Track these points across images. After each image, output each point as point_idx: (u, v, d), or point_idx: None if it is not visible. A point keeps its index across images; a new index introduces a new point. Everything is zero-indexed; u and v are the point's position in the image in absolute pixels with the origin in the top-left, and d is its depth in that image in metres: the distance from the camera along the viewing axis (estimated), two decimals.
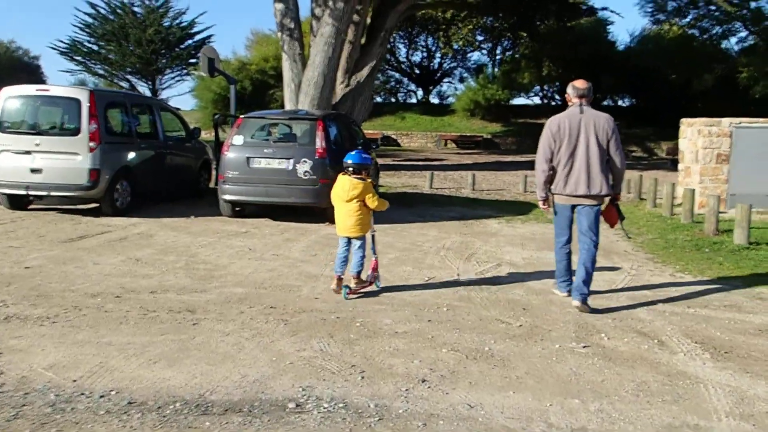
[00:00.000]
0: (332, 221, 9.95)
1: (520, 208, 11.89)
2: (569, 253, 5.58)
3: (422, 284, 6.12)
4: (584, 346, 4.42)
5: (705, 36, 27.35)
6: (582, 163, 5.18)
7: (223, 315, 4.98)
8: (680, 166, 13.25)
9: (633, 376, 3.92)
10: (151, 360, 4.03)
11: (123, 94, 11.37)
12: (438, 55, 41.44)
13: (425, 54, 42.15)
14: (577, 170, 5.20)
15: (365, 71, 18.37)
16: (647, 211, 11.93)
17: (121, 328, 4.61)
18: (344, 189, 5.50)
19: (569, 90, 5.43)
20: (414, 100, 43.82)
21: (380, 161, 22.10)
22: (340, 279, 5.56)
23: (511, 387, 3.73)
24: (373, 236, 5.85)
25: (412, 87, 44.52)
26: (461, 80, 42.87)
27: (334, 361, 4.07)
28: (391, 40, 40.00)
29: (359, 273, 5.64)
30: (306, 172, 9.32)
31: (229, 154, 9.49)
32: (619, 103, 37.65)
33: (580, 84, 5.37)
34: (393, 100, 43.27)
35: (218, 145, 10.98)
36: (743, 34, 27.26)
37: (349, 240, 5.64)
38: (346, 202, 5.50)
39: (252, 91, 32.08)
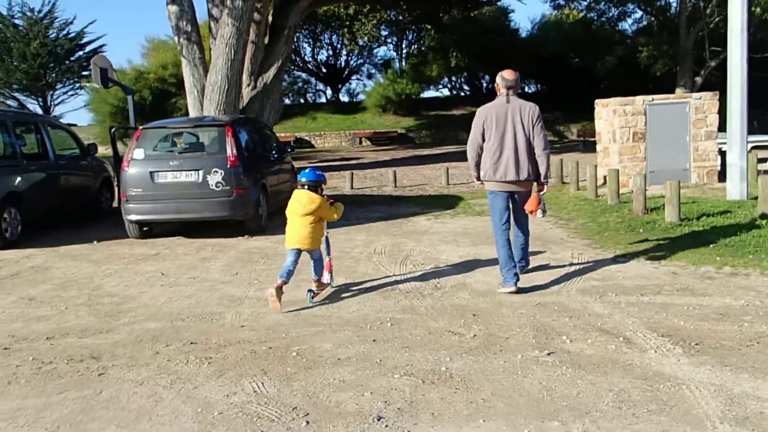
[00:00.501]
0: (252, 233, 9.28)
1: (446, 202, 11.54)
2: (509, 240, 5.68)
3: (359, 296, 5.57)
4: (548, 353, 4.00)
5: (603, 19, 28.18)
6: (510, 151, 5.40)
7: (135, 359, 4.26)
8: (598, 147, 13.31)
9: (609, 385, 3.52)
10: (47, 430, 3.29)
11: (2, 113, 10.19)
12: (344, 52, 40.93)
13: (331, 52, 41.56)
14: (505, 157, 5.41)
15: (272, 72, 17.62)
16: (572, 195, 11.86)
17: (9, 390, 3.83)
18: (301, 203, 5.43)
19: (498, 80, 5.58)
20: (324, 100, 43.17)
21: (296, 164, 21.34)
22: (282, 285, 5.29)
23: (480, 414, 3.24)
24: (326, 238, 5.83)
25: (321, 86, 43.85)
26: (369, 76, 42.54)
27: (272, 405, 3.46)
28: (295, 39, 39.18)
29: (320, 277, 5.66)
30: (218, 182, 8.57)
31: (130, 170, 8.60)
32: (527, 90, 38.40)
33: (508, 75, 5.56)
34: (302, 101, 42.46)
35: (118, 161, 10.02)
36: (638, 15, 28.36)
37: (299, 252, 5.51)
38: (302, 216, 5.43)
39: (153, 101, 30.49)
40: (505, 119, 5.41)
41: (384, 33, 36.09)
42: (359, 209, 11.29)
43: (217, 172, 8.57)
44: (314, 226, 5.46)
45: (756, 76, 17.32)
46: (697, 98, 12.28)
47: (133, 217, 8.67)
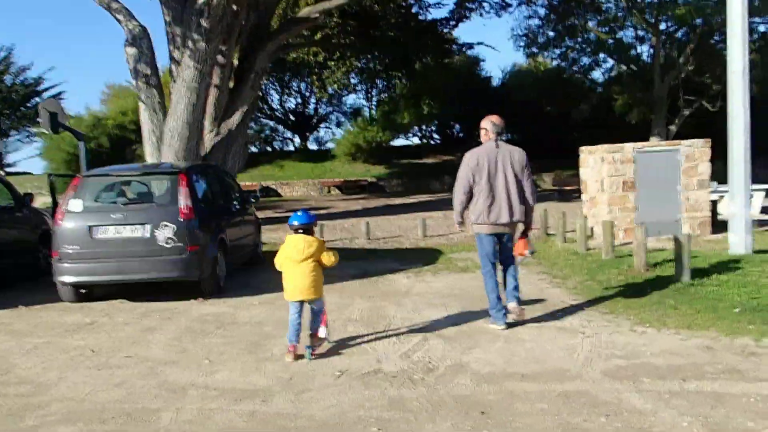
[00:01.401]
0: (207, 295, 8.15)
1: (425, 257, 10.54)
2: (498, 282, 5.83)
3: (335, 383, 4.48)
4: None
5: (575, 68, 28.13)
6: (503, 194, 5.58)
7: None
8: (584, 197, 12.54)
9: None
10: None
11: None
12: (312, 100, 40.37)
13: (299, 100, 40.97)
14: (498, 201, 5.58)
15: (236, 117, 16.67)
16: (560, 248, 10.98)
17: None
18: (297, 248, 5.13)
19: (487, 126, 5.73)
20: (292, 148, 42.35)
21: (261, 214, 20.24)
22: (295, 348, 5.09)
23: None
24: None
25: (289, 134, 43.07)
26: (338, 125, 41.94)
27: None
28: (263, 86, 38.50)
29: (317, 330, 5.25)
30: (169, 239, 7.46)
31: (65, 224, 7.44)
32: None
33: (497, 120, 5.77)
34: (269, 149, 41.56)
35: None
36: (609, 64, 28.39)
37: (301, 304, 5.19)
38: (301, 262, 5.10)
39: (111, 148, 29.28)
40: (496, 164, 5.58)
41: (354, 81, 35.59)
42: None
43: (167, 226, 7.47)
44: (315, 272, 5.14)
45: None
46: (688, 146, 11.64)
47: (68, 279, 7.46)
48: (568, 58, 27.34)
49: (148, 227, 7.48)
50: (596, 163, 11.84)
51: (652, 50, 27.20)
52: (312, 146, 42.28)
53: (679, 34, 25.67)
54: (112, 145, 30.67)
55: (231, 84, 17.14)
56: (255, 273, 9.60)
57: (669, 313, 6.04)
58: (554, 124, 29.87)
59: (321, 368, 4.87)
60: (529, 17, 26.84)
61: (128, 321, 6.80)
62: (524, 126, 31.95)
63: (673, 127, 24.92)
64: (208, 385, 4.59)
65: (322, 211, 21.60)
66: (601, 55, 28.49)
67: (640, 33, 27.16)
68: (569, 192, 24.35)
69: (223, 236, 8.34)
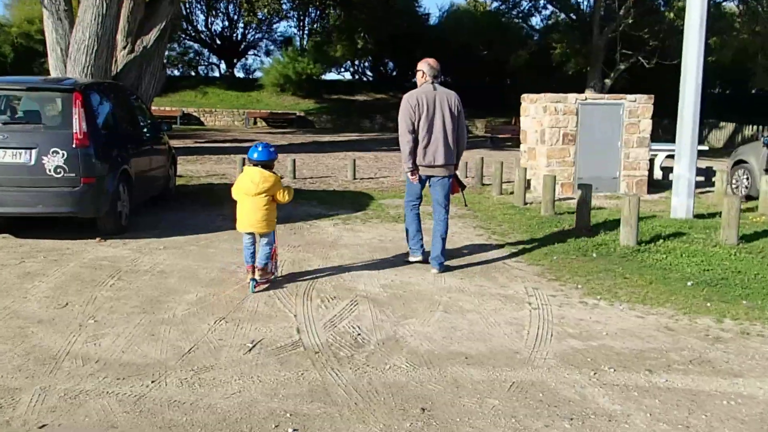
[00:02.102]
0: (107, 235, 7.14)
1: (355, 202, 9.79)
2: (418, 214, 5.99)
3: (244, 360, 3.72)
4: None
5: (514, 12, 27.37)
6: (439, 136, 5.58)
7: None
8: (522, 147, 12.03)
9: None
10: None
11: None
12: (241, 24, 38.09)
13: (227, 23, 38.58)
14: (434, 143, 5.58)
15: (153, 34, 15.03)
16: (496, 200, 10.45)
17: None
18: (253, 181, 5.00)
19: (424, 68, 5.70)
20: (217, 74, 40.11)
21: (179, 143, 18.80)
22: (253, 269, 5.12)
23: None
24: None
25: (214, 60, 40.73)
26: (267, 53, 39.90)
27: None
28: (187, 5, 35.91)
29: (266, 265, 5.20)
30: (59, 167, 6.38)
31: None
32: None
33: (434, 64, 5.74)
34: (193, 73, 39.18)
35: None
36: (548, 11, 27.76)
37: (253, 235, 5.16)
38: (254, 195, 5.01)
39: (14, 60, 26.62)
40: (434, 106, 5.57)
41: (285, 6, 33.64)
42: None
43: (57, 152, 6.36)
44: (268, 207, 5.07)
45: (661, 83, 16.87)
46: (632, 100, 11.23)
47: None
48: (508, 1, 26.46)
49: (33, 153, 6.36)
50: (537, 112, 11.29)
51: (592, 0, 26.79)
52: (239, 74, 40.24)
53: None
54: (17, 56, 27.96)
55: None
56: (165, 211, 8.60)
57: (619, 283, 5.56)
58: (490, 70, 29.29)
59: (229, 336, 4.09)
60: None
61: (5, 262, 5.76)
62: (459, 69, 31.26)
63: (608, 81, 24.77)
64: (87, 355, 3.74)
65: (245, 144, 20.34)
66: (541, 1, 27.81)
67: None
68: (502, 140, 24.02)
69: (126, 167, 7.27)
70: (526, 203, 9.90)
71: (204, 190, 10.78)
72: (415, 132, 5.56)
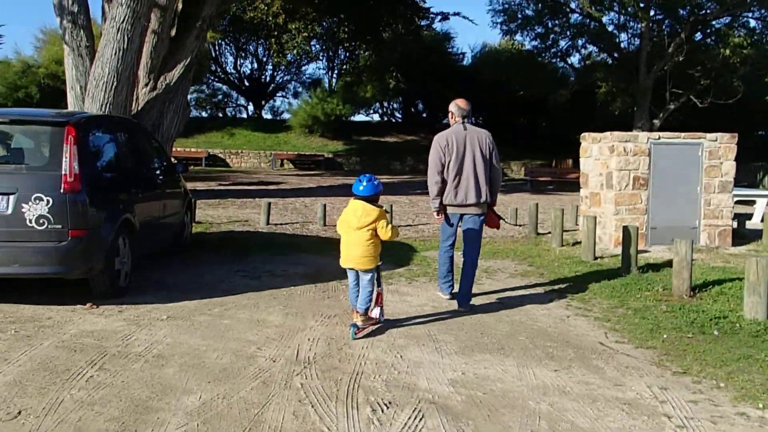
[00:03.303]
0: (99, 299, 5.90)
1: (394, 253, 8.42)
2: (452, 257, 5.98)
3: None
4: None
5: (552, 50, 26.27)
6: (470, 175, 5.63)
7: None
8: (583, 192, 10.63)
9: None
10: None
11: None
12: (270, 66, 37.60)
13: (256, 65, 38.14)
14: (465, 182, 5.64)
15: (177, 70, 14.13)
16: (558, 253, 9.03)
17: None
18: (356, 215, 4.80)
19: (453, 109, 5.81)
20: (245, 116, 39.54)
21: (203, 186, 17.72)
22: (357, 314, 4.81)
23: None
24: (378, 267, 4.95)
25: (242, 101, 40.22)
26: (296, 95, 39.26)
27: None
28: (217, 47, 35.56)
29: (367, 310, 4.86)
30: (42, 217, 5.17)
31: None
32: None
33: (464, 104, 5.82)
34: (221, 115, 38.64)
35: None
36: (588, 50, 26.53)
37: (357, 274, 4.88)
38: (357, 229, 4.76)
39: (40, 100, 26.12)
40: (464, 145, 5.62)
41: (315, 48, 33.05)
42: (275, 258, 8.02)
43: (41, 199, 5.16)
44: (371, 242, 4.83)
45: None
46: (712, 140, 9.81)
47: None
48: (547, 39, 25.34)
49: (10, 199, 5.15)
50: (602, 153, 9.92)
51: (636, 39, 25.60)
52: (266, 116, 39.62)
53: (666, 23, 24.01)
54: (43, 96, 27.47)
55: (173, 32, 14.59)
56: (176, 265, 7.34)
57: None
58: (527, 110, 28.09)
59: None
60: None
61: None
62: (493, 109, 30.14)
63: (656, 121, 23.36)
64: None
65: (271, 187, 19.24)
66: (580, 41, 26.65)
67: (623, 19, 25.44)
68: (542, 183, 22.63)
69: (129, 216, 6.03)
70: (596, 257, 8.47)
71: (224, 238, 9.53)
72: (443, 172, 5.63)
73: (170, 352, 4.37)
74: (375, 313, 4.93)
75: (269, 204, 11.27)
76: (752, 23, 23.11)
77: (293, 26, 27.43)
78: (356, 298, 4.86)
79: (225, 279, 6.75)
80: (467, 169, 5.61)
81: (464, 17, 37.57)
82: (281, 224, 11.17)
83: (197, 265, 7.48)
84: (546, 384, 3.92)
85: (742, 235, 10.52)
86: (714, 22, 23.89)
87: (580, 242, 9.91)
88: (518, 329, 5.15)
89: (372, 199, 4.85)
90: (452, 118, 5.83)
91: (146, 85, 13.87)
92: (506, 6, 24.76)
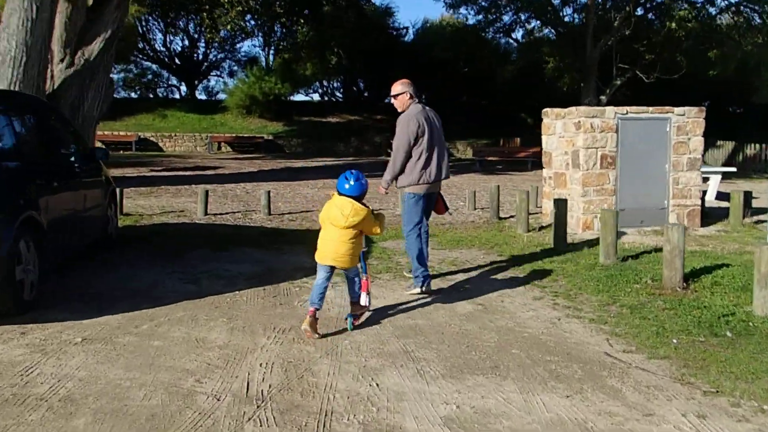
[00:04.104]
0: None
1: None
2: (426, 239, 5.69)
3: None
4: None
5: (496, 26, 25.63)
6: (436, 154, 5.63)
7: None
8: (547, 172, 10.02)
9: None
10: None
11: None
12: (202, 43, 35.76)
13: (187, 42, 36.20)
14: (434, 160, 5.60)
15: (97, 44, 12.80)
16: (526, 240, 8.37)
17: None
18: (343, 213, 4.41)
19: (410, 89, 5.68)
20: (177, 96, 37.60)
21: (133, 172, 16.32)
22: (315, 314, 4.36)
23: None
24: (363, 253, 4.77)
25: (174, 81, 38.22)
26: (231, 74, 37.52)
27: None
28: (144, 22, 33.51)
29: (359, 298, 4.62)
30: None
31: None
32: None
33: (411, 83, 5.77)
34: (151, 96, 36.59)
35: None
36: (531, 26, 26.05)
37: (332, 269, 4.54)
38: (342, 228, 4.41)
39: None
40: (430, 125, 5.61)
41: (250, 24, 31.46)
42: (216, 254, 7.04)
43: None
44: (355, 241, 4.50)
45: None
46: (680, 114, 9.32)
47: None
48: (490, 13, 24.66)
49: None
50: (567, 129, 9.30)
51: (580, 13, 25.25)
52: (201, 96, 37.82)
53: None
54: None
55: (90, 1, 13.16)
56: (98, 268, 6.29)
57: None
58: (471, 87, 27.50)
59: None
60: None
61: None
62: (437, 86, 29.42)
63: (603, 97, 23.10)
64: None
65: (209, 172, 18.01)
66: (523, 15, 26.11)
67: None
68: (491, 164, 22.10)
69: (33, 213, 4.96)
70: (568, 244, 7.84)
71: (157, 232, 8.45)
72: (410, 153, 5.54)
73: (83, 391, 3.41)
74: (363, 299, 4.65)
75: (207, 192, 10.20)
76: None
77: (227, 3, 25.93)
78: (319, 297, 4.45)
79: (157, 283, 5.75)
80: (435, 147, 5.61)
81: None
82: (221, 214, 10.12)
83: (124, 266, 6.44)
84: (562, 418, 3.16)
85: (705, 214, 10.12)
86: None
87: (546, 227, 9.33)
88: (508, 339, 4.40)
89: (359, 198, 4.51)
90: (410, 98, 5.65)
91: (62, 60, 12.47)
92: None
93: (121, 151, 26.19)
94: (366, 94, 36.22)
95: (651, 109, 9.30)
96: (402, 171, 5.57)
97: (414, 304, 5.27)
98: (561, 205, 7.91)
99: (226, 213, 10.21)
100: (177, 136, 28.55)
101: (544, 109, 10.06)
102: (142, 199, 11.62)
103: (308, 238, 8.22)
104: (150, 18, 33.38)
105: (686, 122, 9.31)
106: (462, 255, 7.40)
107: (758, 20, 22.27)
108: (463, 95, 30.74)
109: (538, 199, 11.10)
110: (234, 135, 29.09)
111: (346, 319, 4.62)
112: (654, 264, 6.64)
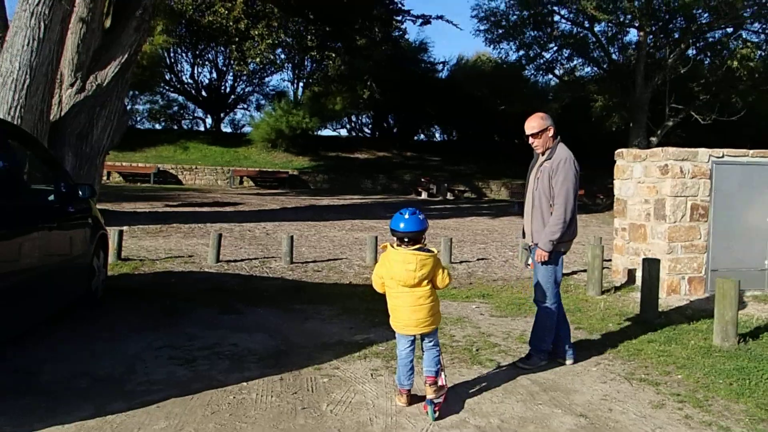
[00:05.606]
0: None
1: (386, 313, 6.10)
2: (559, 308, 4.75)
3: None
4: None
5: (536, 63, 24.38)
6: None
7: None
8: (619, 223, 8.50)
9: None
10: None
11: None
12: (230, 75, 35.06)
13: (215, 75, 35.54)
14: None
15: (111, 69, 11.74)
16: (603, 307, 6.82)
17: None
18: (408, 269, 3.64)
19: (553, 124, 4.66)
20: (202, 129, 36.84)
21: (146, 207, 14.92)
22: (410, 394, 3.79)
23: None
24: None
25: (200, 113, 37.51)
26: (258, 107, 36.75)
27: None
28: (172, 53, 32.94)
29: (438, 373, 3.74)
30: None
31: None
32: (436, 137, 34.19)
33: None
34: (175, 127, 35.86)
35: None
36: (572, 63, 24.76)
37: (414, 338, 3.77)
38: (413, 287, 3.64)
39: None
40: None
41: (280, 57, 30.68)
42: (223, 319, 5.62)
43: None
44: (432, 296, 3.73)
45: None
46: None
47: None
48: (531, 49, 23.42)
49: None
50: (649, 174, 7.81)
51: (625, 51, 23.93)
52: (226, 129, 37.00)
53: (662, 35, 22.34)
54: None
55: (107, 23, 12.13)
56: (65, 336, 4.88)
57: None
58: (508, 125, 26.16)
59: None
60: None
61: None
62: (471, 125, 28.16)
63: (654, 139, 21.58)
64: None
65: (228, 208, 16.72)
66: (566, 52, 24.85)
67: (613, 30, 23.72)
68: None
69: None
70: (660, 314, 6.29)
71: (156, 284, 7.06)
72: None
73: None
74: (441, 379, 3.81)
75: (219, 236, 8.82)
76: (754, 37, 21.60)
77: (256, 32, 25.08)
78: (409, 375, 3.75)
79: (138, 364, 4.32)
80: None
81: (448, 21, 35.36)
82: (235, 261, 8.72)
83: (102, 334, 5.03)
84: None
85: None
86: (709, 36, 22.36)
87: (621, 287, 7.81)
88: None
89: (417, 238, 3.71)
90: (554, 136, 4.61)
91: (72, 85, 11.37)
92: (490, 12, 22.81)
93: (139, 183, 25.21)
94: (395, 130, 35.11)
95: (751, 152, 7.79)
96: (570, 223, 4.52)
97: (489, 408, 3.75)
98: (653, 265, 6.37)
99: (242, 260, 8.81)
100: (198, 169, 27.53)
101: (618, 150, 8.61)
102: (149, 239, 10.30)
103: (335, 296, 6.79)
104: (179, 49, 32.83)
105: None
106: (529, 326, 5.87)
107: None
108: (497, 133, 29.44)
109: (605, 252, 9.55)
110: (257, 169, 28.00)
111: (428, 405, 3.64)
112: None
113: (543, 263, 4.54)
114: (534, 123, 4.62)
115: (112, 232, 7.92)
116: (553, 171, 4.48)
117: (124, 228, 10.34)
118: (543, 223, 4.53)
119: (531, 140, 4.65)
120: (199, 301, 6.28)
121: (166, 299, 6.26)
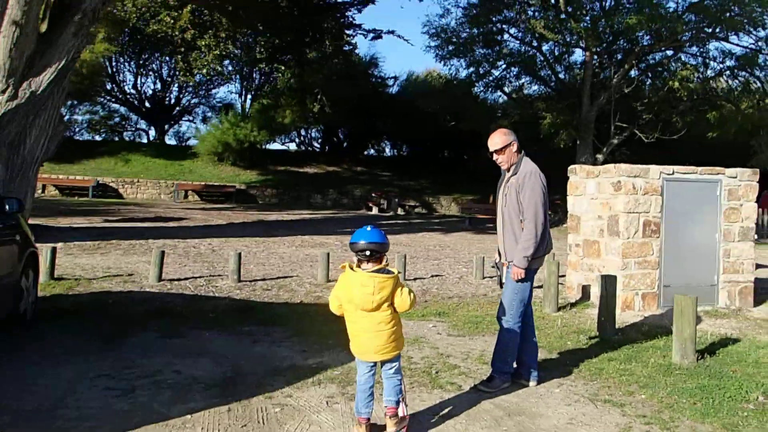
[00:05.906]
0: None
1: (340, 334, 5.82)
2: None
3: None
4: None
5: (484, 81, 24.64)
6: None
7: None
8: (573, 239, 8.47)
9: None
10: None
11: None
12: (175, 86, 34.24)
13: (159, 85, 34.65)
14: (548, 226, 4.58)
15: (47, 76, 11.14)
16: (561, 324, 6.72)
17: None
18: (366, 292, 3.42)
19: (515, 139, 4.56)
20: (145, 141, 35.82)
21: (84, 222, 14.22)
22: (369, 423, 3.51)
23: None
24: None
25: (143, 125, 36.49)
26: (204, 120, 36.00)
27: None
28: (114, 62, 31.96)
29: (398, 403, 3.55)
30: None
31: None
32: (387, 152, 34.14)
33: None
34: (116, 138, 34.75)
35: None
36: (520, 81, 25.15)
37: (375, 364, 3.54)
38: (371, 310, 3.43)
39: None
40: None
41: (228, 69, 30.11)
42: (166, 342, 5.25)
43: None
44: (393, 321, 3.51)
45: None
46: (732, 176, 7.92)
47: None
48: (481, 66, 23.67)
49: None
50: (603, 190, 7.80)
51: (571, 71, 24.45)
52: (170, 141, 36.08)
53: (606, 56, 22.94)
54: None
55: (43, 27, 11.54)
56: (1, 362, 4.44)
57: None
58: (457, 142, 26.31)
59: None
60: (443, 15, 23.05)
61: None
62: (423, 141, 28.20)
63: (600, 156, 22.01)
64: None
65: (171, 224, 16.12)
66: (513, 70, 25.22)
67: (558, 50, 24.22)
68: (481, 221, 20.65)
69: None
70: (617, 330, 6.23)
71: (92, 305, 6.60)
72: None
73: None
74: (402, 410, 3.61)
75: (162, 252, 8.38)
76: (692, 60, 22.39)
77: (203, 43, 24.50)
78: (368, 402, 3.50)
79: (68, 397, 3.93)
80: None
81: (399, 36, 35.35)
82: (179, 280, 8.29)
83: (31, 359, 4.61)
84: None
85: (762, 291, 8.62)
86: (650, 57, 23.06)
87: (576, 304, 7.77)
88: None
89: (382, 252, 3.51)
90: (518, 150, 4.53)
91: (3, 92, 10.71)
92: (440, 29, 22.96)
93: (76, 197, 24.21)
94: (346, 144, 34.91)
95: (700, 169, 7.87)
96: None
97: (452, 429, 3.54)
98: (610, 282, 6.30)
99: (186, 278, 8.38)
100: (140, 182, 26.65)
101: (571, 166, 8.61)
102: (85, 256, 9.74)
103: (286, 317, 6.48)
104: (122, 58, 31.89)
105: (738, 186, 7.91)
106: (488, 346, 5.70)
107: (758, 84, 21.62)
108: (447, 149, 29.59)
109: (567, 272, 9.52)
110: (203, 183, 27.30)
111: None
112: (748, 367, 5.04)
113: (513, 283, 4.40)
114: (497, 139, 4.51)
115: (44, 249, 7.42)
116: (519, 186, 4.37)
117: (59, 245, 9.75)
118: (515, 240, 4.41)
119: (495, 156, 4.52)
120: (139, 323, 5.88)
121: (103, 322, 5.84)
